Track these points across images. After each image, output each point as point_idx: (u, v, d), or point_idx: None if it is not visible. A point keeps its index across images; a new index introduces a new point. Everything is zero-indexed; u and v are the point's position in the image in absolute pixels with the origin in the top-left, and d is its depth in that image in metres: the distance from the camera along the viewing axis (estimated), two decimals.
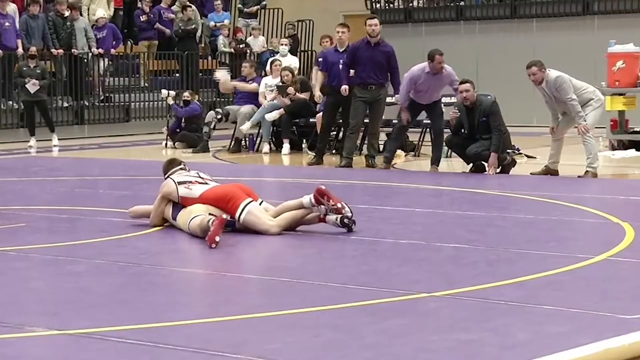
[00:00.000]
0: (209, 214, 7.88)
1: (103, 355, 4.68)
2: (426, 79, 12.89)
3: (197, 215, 7.89)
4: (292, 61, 18.38)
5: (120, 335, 4.93)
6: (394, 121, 15.89)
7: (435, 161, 13.16)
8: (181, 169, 8.55)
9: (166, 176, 8.51)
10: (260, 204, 8.10)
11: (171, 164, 8.66)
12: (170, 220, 8.29)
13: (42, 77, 17.76)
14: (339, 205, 7.91)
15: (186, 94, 18.05)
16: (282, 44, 19.18)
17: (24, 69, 17.81)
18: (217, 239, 7.40)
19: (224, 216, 7.65)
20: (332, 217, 7.96)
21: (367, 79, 13.56)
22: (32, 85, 17.49)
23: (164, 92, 18.28)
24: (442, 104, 13.58)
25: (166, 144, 17.83)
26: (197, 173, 8.48)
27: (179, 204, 8.23)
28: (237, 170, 13.83)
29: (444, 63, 12.95)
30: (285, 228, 8.00)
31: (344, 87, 13.74)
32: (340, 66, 14.35)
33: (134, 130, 21.16)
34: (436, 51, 13.00)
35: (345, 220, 7.93)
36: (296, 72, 17.97)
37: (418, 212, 9.61)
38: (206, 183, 8.29)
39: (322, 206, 7.91)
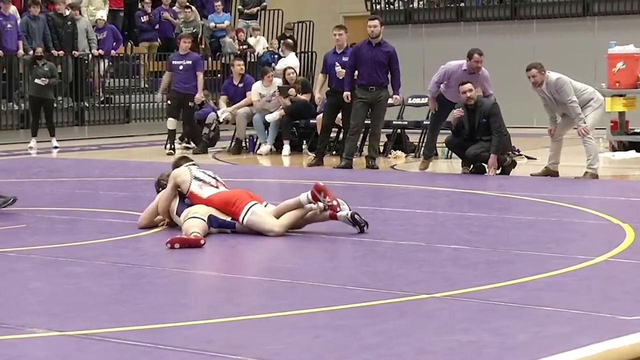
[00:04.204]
0: (210, 215, 7.91)
1: (103, 356, 4.68)
2: (461, 75, 12.80)
3: (195, 216, 7.88)
4: (292, 61, 18.34)
5: (121, 336, 4.93)
6: (394, 122, 15.92)
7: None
8: (193, 164, 8.53)
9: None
10: (265, 207, 8.09)
11: (182, 160, 8.64)
12: (174, 215, 8.24)
13: (51, 75, 17.81)
14: (334, 202, 7.88)
15: None
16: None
17: (34, 66, 17.91)
18: (177, 246, 7.38)
19: (202, 242, 7.55)
20: (343, 214, 7.94)
21: (368, 79, 13.55)
22: (42, 81, 17.57)
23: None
24: None
25: (166, 145, 17.80)
26: (214, 174, 8.46)
27: (186, 197, 8.21)
28: (237, 171, 13.82)
29: (482, 64, 12.90)
30: (290, 227, 7.98)
31: (346, 94, 13.74)
32: (337, 68, 14.35)
33: (134, 131, 21.16)
34: (475, 50, 12.97)
35: (357, 217, 7.91)
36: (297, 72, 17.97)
37: (418, 213, 9.61)
38: (217, 187, 8.26)
39: (320, 203, 7.88)
